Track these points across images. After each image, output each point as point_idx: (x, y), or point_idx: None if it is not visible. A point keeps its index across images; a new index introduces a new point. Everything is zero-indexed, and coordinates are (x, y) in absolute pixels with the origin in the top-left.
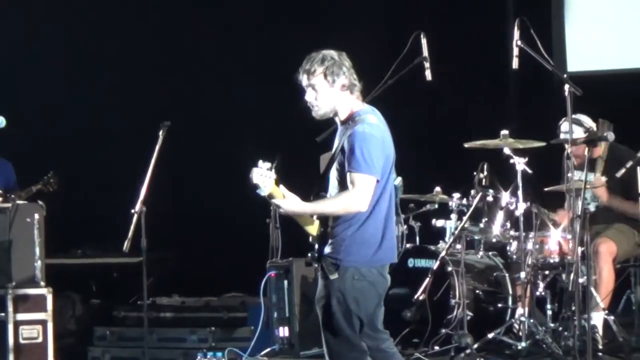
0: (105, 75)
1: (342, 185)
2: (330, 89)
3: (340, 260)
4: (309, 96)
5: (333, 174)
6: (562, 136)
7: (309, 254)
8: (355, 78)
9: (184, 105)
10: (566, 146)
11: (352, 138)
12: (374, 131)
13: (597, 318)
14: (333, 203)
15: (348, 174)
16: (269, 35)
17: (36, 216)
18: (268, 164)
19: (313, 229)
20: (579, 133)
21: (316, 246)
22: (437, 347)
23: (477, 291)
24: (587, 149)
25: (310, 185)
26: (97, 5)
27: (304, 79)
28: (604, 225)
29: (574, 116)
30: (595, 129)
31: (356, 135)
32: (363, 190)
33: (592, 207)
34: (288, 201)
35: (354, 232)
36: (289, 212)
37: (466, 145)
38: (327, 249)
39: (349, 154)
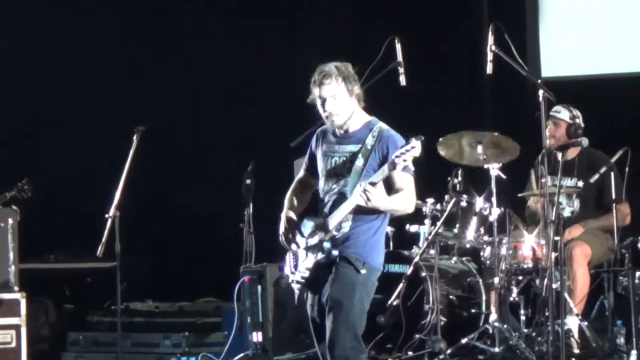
0: (80, 80)
1: (386, 181)
2: (350, 98)
3: (365, 258)
4: (330, 106)
5: (358, 173)
6: (550, 113)
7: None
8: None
9: (158, 110)
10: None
11: (393, 140)
12: (399, 135)
13: (572, 322)
14: (402, 202)
15: (399, 172)
16: (242, 41)
17: (10, 221)
18: None
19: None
20: (564, 115)
21: (327, 246)
22: (410, 353)
23: (451, 296)
24: (560, 154)
25: (283, 189)
26: (72, 8)
27: (322, 90)
28: None
29: (568, 105)
30: (581, 121)
31: (395, 138)
32: (414, 191)
33: (566, 212)
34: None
35: (374, 235)
36: (378, 204)
37: (439, 149)
38: (348, 247)
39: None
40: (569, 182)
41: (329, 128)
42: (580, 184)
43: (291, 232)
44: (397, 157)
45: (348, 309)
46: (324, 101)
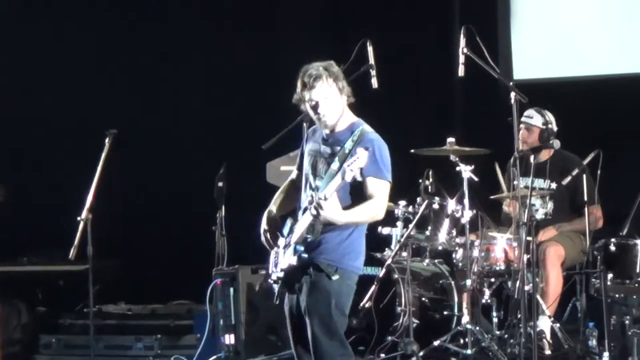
0: (52, 83)
1: (356, 189)
2: (340, 98)
3: (337, 263)
4: (323, 108)
5: (330, 177)
6: (522, 119)
7: (298, 251)
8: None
9: (131, 113)
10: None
11: (372, 144)
12: (381, 139)
13: (545, 323)
14: (364, 212)
15: (371, 179)
16: (215, 43)
17: None
18: None
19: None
20: (536, 121)
21: (299, 248)
22: (383, 355)
23: (423, 299)
24: (532, 156)
25: (255, 191)
26: (45, 13)
27: (314, 93)
28: None
29: (541, 109)
30: (554, 125)
31: (374, 141)
32: (385, 198)
33: (540, 214)
34: (332, 206)
35: (348, 238)
36: (331, 217)
37: (412, 151)
38: (320, 253)
39: (371, 161)
40: (542, 183)
41: (318, 127)
42: (554, 185)
43: (270, 231)
44: (348, 166)
45: (328, 319)
46: (316, 104)
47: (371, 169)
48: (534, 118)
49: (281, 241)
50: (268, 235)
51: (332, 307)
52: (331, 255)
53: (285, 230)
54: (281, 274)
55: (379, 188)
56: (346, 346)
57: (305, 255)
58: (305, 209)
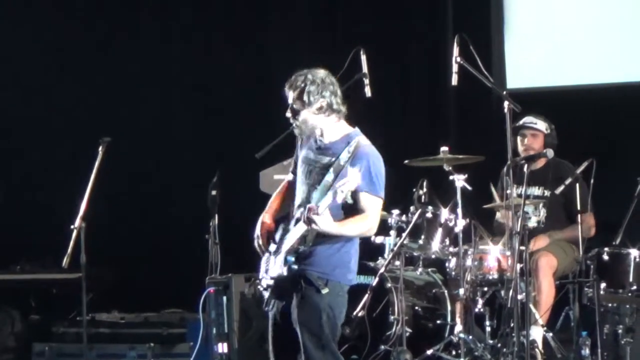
0: (45, 91)
1: (348, 203)
2: (305, 110)
3: (328, 275)
4: (288, 113)
5: (327, 188)
6: (525, 123)
7: (288, 261)
8: (339, 102)
9: (123, 121)
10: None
11: (367, 158)
12: (377, 153)
13: (537, 333)
14: (356, 227)
15: (364, 194)
16: (208, 52)
17: None
18: None
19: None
20: (541, 126)
21: (290, 259)
22: None
23: (416, 307)
24: (526, 165)
25: (249, 200)
26: (37, 20)
27: (290, 99)
28: None
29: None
30: (553, 131)
31: (369, 156)
32: (377, 214)
33: (532, 222)
34: (324, 220)
35: (340, 249)
36: (323, 229)
37: (406, 162)
38: (310, 264)
39: (364, 174)
40: (536, 191)
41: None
42: (547, 193)
43: (262, 237)
44: (339, 187)
45: (319, 333)
46: (288, 108)
47: (365, 185)
48: (538, 124)
49: (272, 247)
50: (261, 241)
51: (323, 321)
52: (322, 268)
53: (278, 236)
54: (271, 282)
55: (372, 204)
56: (338, 357)
57: (295, 267)
58: (298, 220)
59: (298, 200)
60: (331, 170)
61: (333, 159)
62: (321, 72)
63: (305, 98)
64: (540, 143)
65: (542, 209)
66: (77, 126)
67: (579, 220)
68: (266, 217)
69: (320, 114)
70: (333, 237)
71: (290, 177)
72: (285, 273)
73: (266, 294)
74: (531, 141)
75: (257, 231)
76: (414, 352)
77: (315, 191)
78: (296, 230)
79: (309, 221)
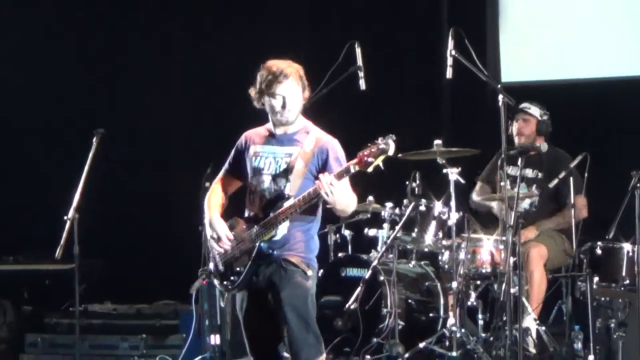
0: (38, 82)
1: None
2: (301, 96)
3: (308, 260)
4: (288, 102)
5: (299, 175)
6: (520, 106)
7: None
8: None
9: (117, 113)
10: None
11: (332, 144)
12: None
13: (530, 322)
14: (353, 202)
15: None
16: (200, 45)
17: None
18: None
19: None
20: (535, 111)
21: (264, 246)
22: (368, 357)
23: (409, 300)
24: (520, 158)
25: (242, 191)
26: (32, 10)
27: (280, 87)
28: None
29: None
30: (548, 119)
31: (334, 143)
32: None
33: (526, 204)
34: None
35: (313, 235)
36: (337, 200)
37: (400, 155)
38: (289, 250)
39: (334, 160)
40: (530, 173)
41: (257, 130)
42: (540, 175)
43: (221, 234)
44: (365, 155)
45: (305, 314)
46: (283, 98)
47: (337, 168)
48: (532, 109)
49: (233, 242)
50: (220, 238)
51: (309, 302)
52: (302, 253)
53: (237, 231)
54: (241, 275)
55: (348, 185)
56: (320, 341)
57: (275, 253)
58: (271, 207)
59: (261, 191)
60: (299, 158)
61: (298, 148)
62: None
63: (303, 84)
64: (532, 129)
65: (535, 191)
66: (71, 117)
67: (572, 208)
68: (215, 216)
69: (303, 102)
70: (307, 222)
71: (222, 175)
72: (262, 260)
73: (226, 292)
74: (522, 125)
75: (213, 230)
76: (406, 344)
77: (282, 180)
78: (274, 217)
79: (329, 189)
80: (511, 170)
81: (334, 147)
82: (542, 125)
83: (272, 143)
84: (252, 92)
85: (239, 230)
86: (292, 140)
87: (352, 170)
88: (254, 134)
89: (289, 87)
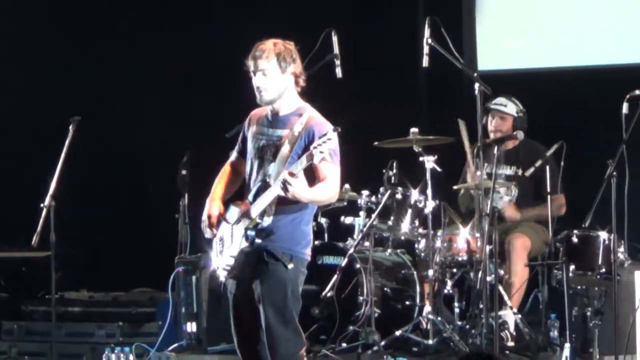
0: (15, 68)
1: (307, 173)
2: (281, 76)
3: (292, 251)
4: (259, 81)
5: (283, 160)
6: (494, 107)
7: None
8: (304, 73)
9: (95, 100)
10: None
11: (321, 128)
12: (329, 124)
13: (508, 315)
14: (325, 192)
15: (324, 162)
16: (178, 31)
17: None
18: None
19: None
20: (511, 109)
21: (251, 234)
22: (344, 344)
23: (385, 288)
24: (497, 147)
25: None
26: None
27: (254, 64)
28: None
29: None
30: (524, 115)
31: (324, 126)
32: (338, 182)
33: (504, 202)
34: (300, 183)
35: (299, 224)
36: (299, 193)
37: (376, 144)
38: (273, 240)
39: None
40: (507, 170)
41: (261, 110)
42: (519, 171)
43: (212, 218)
44: (314, 148)
45: (283, 307)
46: (253, 74)
47: (320, 154)
48: (508, 106)
49: (226, 228)
50: (210, 222)
51: (288, 296)
52: (286, 243)
53: (231, 217)
54: (231, 261)
55: (332, 172)
56: (300, 334)
57: (259, 241)
58: (257, 193)
59: (253, 175)
60: (286, 142)
61: (286, 131)
62: (289, 42)
63: (282, 63)
64: (509, 126)
65: (514, 189)
66: (47, 104)
67: (549, 200)
68: (214, 198)
69: (289, 81)
70: (295, 211)
71: (233, 157)
72: (248, 249)
73: (222, 278)
74: (499, 123)
75: (208, 212)
76: (382, 333)
77: (271, 164)
78: (259, 203)
79: (285, 185)
80: (487, 168)
81: (321, 130)
82: (518, 121)
83: (266, 125)
84: (246, 69)
85: (237, 214)
86: (283, 123)
87: (306, 163)
88: (256, 115)
89: (260, 64)
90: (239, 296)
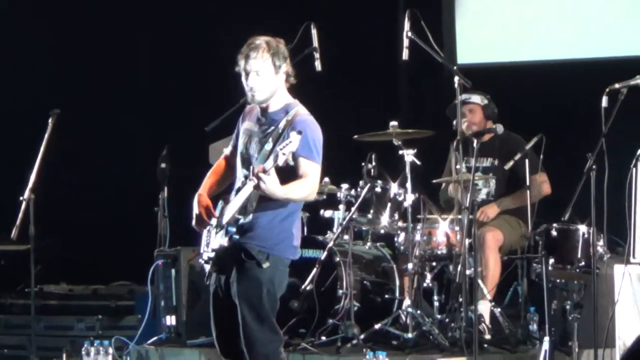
0: None
1: (285, 170)
2: (275, 75)
3: (269, 249)
4: (252, 81)
5: (265, 157)
6: (461, 99)
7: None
8: (291, 67)
9: (75, 93)
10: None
11: (303, 125)
12: (315, 121)
13: (484, 307)
14: (299, 190)
15: (303, 159)
16: (156, 24)
17: None
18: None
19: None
20: (476, 99)
21: (230, 230)
22: (324, 338)
23: (365, 282)
24: (475, 140)
25: (198, 173)
26: None
27: (247, 64)
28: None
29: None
30: (494, 107)
31: (307, 123)
32: (317, 179)
33: (482, 194)
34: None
35: (283, 222)
36: (271, 190)
37: (355, 137)
38: (252, 238)
39: (302, 140)
40: (485, 162)
41: (254, 106)
42: (497, 163)
43: (202, 212)
44: (280, 149)
45: (258, 307)
46: (247, 75)
47: (303, 150)
48: (473, 97)
49: (213, 221)
50: (201, 217)
51: (264, 295)
52: (263, 242)
53: (218, 211)
54: (212, 254)
55: (311, 169)
56: (276, 331)
57: (237, 237)
58: (239, 189)
59: (239, 172)
60: (270, 139)
61: (272, 128)
62: (271, 38)
63: (276, 62)
64: (480, 116)
65: (491, 181)
66: (27, 98)
67: (528, 194)
68: (202, 192)
69: (281, 80)
70: (274, 208)
71: (228, 151)
72: (226, 244)
73: (207, 267)
74: (470, 117)
75: (196, 208)
76: (362, 326)
77: (255, 160)
78: (238, 199)
79: (257, 179)
80: (466, 162)
81: (305, 128)
82: (487, 109)
83: (256, 121)
84: (236, 68)
85: (223, 209)
86: (271, 120)
87: (273, 163)
88: (249, 111)
89: (253, 64)
90: (218, 291)
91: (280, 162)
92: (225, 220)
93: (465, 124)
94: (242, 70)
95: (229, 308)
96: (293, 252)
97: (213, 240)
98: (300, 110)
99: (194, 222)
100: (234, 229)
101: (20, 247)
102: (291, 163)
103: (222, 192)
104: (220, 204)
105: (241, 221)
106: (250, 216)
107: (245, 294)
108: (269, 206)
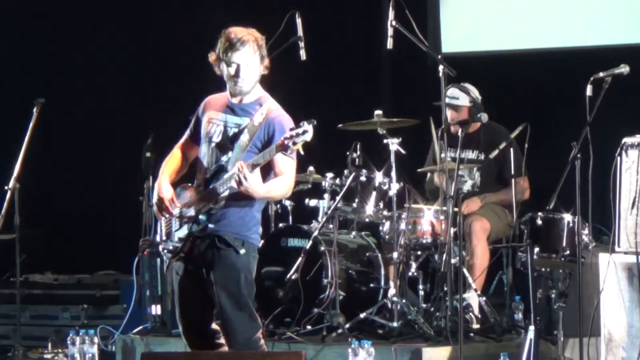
0: None
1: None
2: (260, 66)
3: (244, 237)
4: (244, 72)
5: (242, 148)
6: (447, 101)
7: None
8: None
9: (60, 82)
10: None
11: (282, 121)
12: (288, 116)
13: (472, 297)
14: (280, 189)
15: (280, 156)
16: (140, 12)
17: None
18: None
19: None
20: (464, 100)
21: (202, 218)
22: (309, 327)
23: (350, 271)
24: (460, 129)
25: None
26: None
27: (234, 55)
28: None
29: (461, 84)
30: (477, 95)
31: (284, 121)
32: (294, 176)
33: (467, 186)
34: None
35: (251, 209)
36: (253, 189)
37: (340, 126)
38: (225, 226)
39: (280, 137)
40: (470, 154)
41: (218, 96)
42: (482, 156)
43: (165, 201)
44: (287, 139)
45: (237, 294)
46: (237, 67)
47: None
48: (460, 99)
49: (175, 211)
50: (163, 205)
51: (242, 282)
52: (237, 229)
53: (181, 200)
54: (179, 244)
55: (289, 166)
56: (255, 318)
57: (211, 226)
58: (212, 178)
59: (206, 160)
60: (246, 131)
61: (246, 120)
62: (257, 31)
63: (262, 54)
64: (465, 115)
65: (476, 173)
66: (10, 87)
67: (513, 184)
68: (164, 181)
69: (261, 72)
70: (244, 197)
71: (183, 140)
72: (198, 233)
73: (166, 259)
74: (454, 116)
75: (159, 195)
76: (347, 315)
77: (228, 151)
78: (210, 190)
79: (240, 179)
80: (450, 152)
81: (282, 123)
82: (473, 110)
83: (227, 111)
84: (212, 57)
85: (187, 197)
86: (244, 111)
87: (275, 152)
88: (214, 100)
89: (244, 56)
90: (185, 280)
91: (289, 152)
92: (194, 209)
93: (448, 120)
94: (228, 61)
95: (198, 298)
96: (259, 239)
97: (178, 230)
98: (273, 105)
99: (155, 210)
100: (205, 217)
101: (5, 237)
102: (302, 152)
103: (179, 180)
104: (180, 191)
105: (213, 209)
106: (222, 204)
107: (223, 282)
108: (240, 195)
